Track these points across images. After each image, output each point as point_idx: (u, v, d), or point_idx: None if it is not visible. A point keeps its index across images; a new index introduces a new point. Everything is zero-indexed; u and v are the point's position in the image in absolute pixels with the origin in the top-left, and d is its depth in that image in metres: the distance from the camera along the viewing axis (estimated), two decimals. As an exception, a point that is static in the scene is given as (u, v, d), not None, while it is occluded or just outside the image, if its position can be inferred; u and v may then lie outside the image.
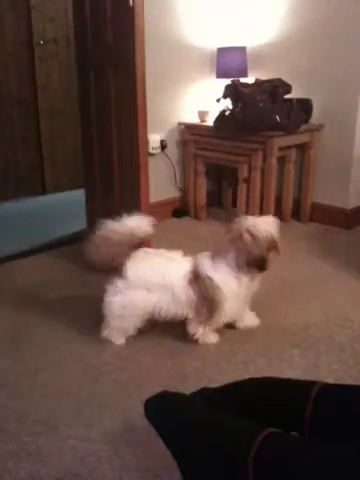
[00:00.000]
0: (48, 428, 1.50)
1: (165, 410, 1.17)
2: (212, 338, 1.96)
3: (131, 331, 1.93)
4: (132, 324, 1.91)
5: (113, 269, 1.87)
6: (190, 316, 1.90)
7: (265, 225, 1.83)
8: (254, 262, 1.80)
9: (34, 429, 1.50)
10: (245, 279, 1.85)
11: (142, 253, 1.92)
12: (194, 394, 1.28)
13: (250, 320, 2.07)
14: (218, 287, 1.83)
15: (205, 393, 1.26)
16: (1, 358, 1.86)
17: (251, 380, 1.25)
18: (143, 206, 2.28)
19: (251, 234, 1.79)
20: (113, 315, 1.90)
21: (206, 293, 1.84)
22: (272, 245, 1.82)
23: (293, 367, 1.79)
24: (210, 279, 1.83)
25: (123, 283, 1.86)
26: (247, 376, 1.69)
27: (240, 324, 2.04)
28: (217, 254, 1.86)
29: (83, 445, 1.44)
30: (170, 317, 1.90)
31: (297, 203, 3.31)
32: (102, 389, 1.68)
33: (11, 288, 2.41)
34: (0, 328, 2.06)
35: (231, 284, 1.84)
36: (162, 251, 1.97)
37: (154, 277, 1.86)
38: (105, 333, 1.95)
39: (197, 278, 1.84)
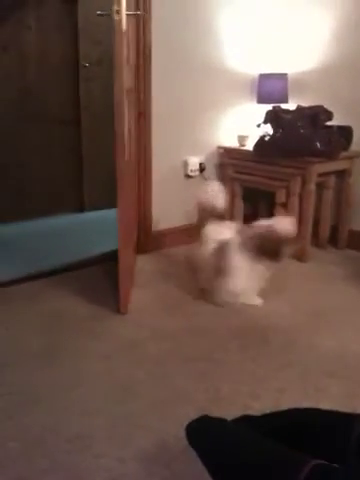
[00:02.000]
0: (82, 445, 1.52)
1: (209, 435, 1.17)
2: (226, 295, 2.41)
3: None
4: None
5: None
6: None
7: (282, 224, 2.30)
8: (267, 253, 2.27)
9: (68, 446, 1.51)
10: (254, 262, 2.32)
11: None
12: (235, 420, 1.27)
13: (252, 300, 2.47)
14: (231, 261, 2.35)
15: (247, 420, 1.25)
16: (38, 373, 1.89)
17: (294, 410, 1.24)
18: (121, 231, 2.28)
19: (268, 230, 2.28)
20: None
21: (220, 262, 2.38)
22: (286, 240, 2.27)
23: (329, 396, 1.76)
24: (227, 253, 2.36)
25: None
26: (281, 403, 1.68)
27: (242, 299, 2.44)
28: (243, 241, 2.35)
29: (116, 464, 1.45)
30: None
31: (334, 229, 3.28)
32: (136, 408, 1.69)
33: (46, 304, 2.45)
34: (36, 343, 2.10)
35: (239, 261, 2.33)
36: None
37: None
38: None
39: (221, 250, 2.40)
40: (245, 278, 2.37)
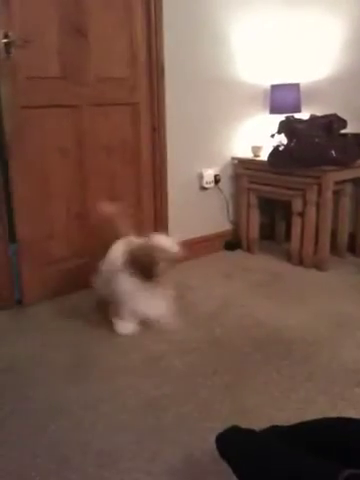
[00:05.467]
0: (111, 460, 1.52)
1: (239, 446, 1.16)
2: (122, 328, 2.30)
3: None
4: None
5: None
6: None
7: (159, 243, 2.16)
8: (140, 271, 2.14)
9: (97, 461, 1.52)
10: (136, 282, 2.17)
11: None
12: (265, 431, 1.27)
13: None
14: (117, 284, 2.21)
15: (276, 430, 1.25)
16: (65, 388, 1.90)
17: (323, 419, 1.23)
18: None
19: (142, 249, 2.17)
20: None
21: (110, 286, 2.25)
22: (157, 258, 2.12)
23: (356, 407, 1.74)
24: (114, 276, 2.22)
25: None
26: (308, 414, 1.67)
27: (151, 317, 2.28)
28: (126, 260, 2.18)
29: (145, 479, 1.44)
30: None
31: (353, 237, 3.27)
32: (163, 423, 1.69)
33: (71, 319, 2.48)
34: (61, 359, 2.12)
35: (126, 284, 2.18)
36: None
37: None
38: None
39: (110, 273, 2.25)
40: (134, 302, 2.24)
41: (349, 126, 2.97)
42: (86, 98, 2.66)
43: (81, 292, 2.77)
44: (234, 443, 1.20)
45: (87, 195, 2.77)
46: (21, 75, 2.41)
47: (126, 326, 2.29)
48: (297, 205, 3.07)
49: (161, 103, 2.98)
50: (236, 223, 3.54)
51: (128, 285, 2.19)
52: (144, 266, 2.12)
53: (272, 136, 3.11)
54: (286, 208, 3.30)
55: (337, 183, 2.99)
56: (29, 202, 2.55)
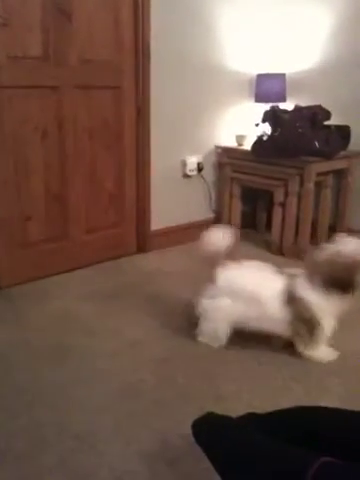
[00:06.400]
0: (86, 444, 1.52)
1: (215, 432, 1.17)
2: (325, 355, 1.99)
3: (222, 336, 2.04)
4: (220, 328, 2.03)
5: None
6: (287, 334, 1.97)
7: (352, 248, 1.83)
8: (338, 284, 1.82)
9: (73, 444, 1.51)
10: (333, 300, 1.86)
11: (236, 263, 2.06)
12: (241, 418, 1.27)
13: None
14: (313, 307, 1.87)
15: (253, 418, 1.25)
16: (43, 372, 1.89)
17: (300, 408, 1.24)
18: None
19: (336, 257, 1.82)
20: (204, 317, 2.06)
21: (302, 314, 1.89)
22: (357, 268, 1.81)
23: (332, 396, 1.77)
24: (304, 300, 1.88)
25: (214, 289, 2.01)
26: (284, 402, 1.69)
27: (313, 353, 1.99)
28: (310, 275, 1.90)
29: (121, 463, 1.44)
30: (264, 331, 1.98)
31: (333, 229, 3.30)
32: (139, 407, 1.69)
33: (50, 303, 2.46)
34: (39, 343, 2.10)
35: (323, 304, 1.87)
36: (256, 264, 2.08)
37: (244, 289, 1.96)
38: (200, 338, 2.10)
39: (292, 299, 1.90)
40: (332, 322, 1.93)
41: (333, 118, 2.98)
42: (68, 79, 2.63)
43: (59, 275, 2.76)
44: (210, 429, 1.20)
45: (67, 177, 2.75)
46: (1, 54, 2.37)
47: (328, 352, 2.02)
48: (279, 195, 3.08)
49: (146, 87, 2.94)
50: (218, 212, 3.54)
51: (325, 305, 1.87)
52: (344, 279, 1.80)
53: (257, 125, 3.11)
54: (268, 198, 3.31)
55: (319, 174, 3.01)
56: (6, 183, 2.52)
